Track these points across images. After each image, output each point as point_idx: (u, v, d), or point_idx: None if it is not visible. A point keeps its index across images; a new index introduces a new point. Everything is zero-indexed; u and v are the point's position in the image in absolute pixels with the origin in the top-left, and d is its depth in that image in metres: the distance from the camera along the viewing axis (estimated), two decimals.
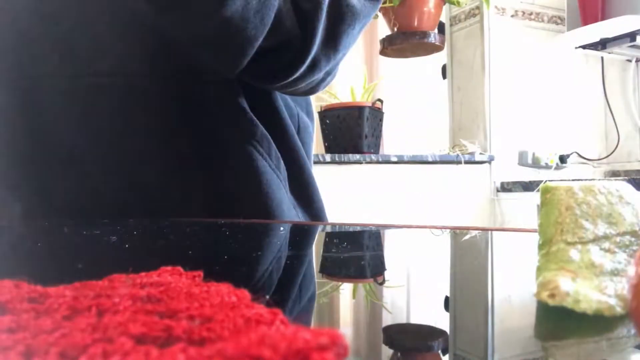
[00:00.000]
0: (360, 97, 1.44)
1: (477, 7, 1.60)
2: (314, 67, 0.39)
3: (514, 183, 1.55)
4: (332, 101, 1.47)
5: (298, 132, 0.47)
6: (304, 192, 0.46)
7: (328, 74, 0.42)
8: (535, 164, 1.61)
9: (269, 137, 0.42)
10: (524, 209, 1.50)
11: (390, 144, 1.68)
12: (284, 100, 0.46)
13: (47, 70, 0.40)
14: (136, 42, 0.39)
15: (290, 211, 0.43)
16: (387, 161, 1.43)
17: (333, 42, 0.38)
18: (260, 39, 0.34)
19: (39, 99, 0.40)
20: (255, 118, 0.41)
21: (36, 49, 0.40)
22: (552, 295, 0.13)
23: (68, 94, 0.40)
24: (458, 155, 1.52)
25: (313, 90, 0.44)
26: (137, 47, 0.40)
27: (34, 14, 0.40)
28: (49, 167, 0.41)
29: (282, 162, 0.43)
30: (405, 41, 1.49)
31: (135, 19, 0.39)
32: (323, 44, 0.38)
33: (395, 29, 1.51)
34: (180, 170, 0.41)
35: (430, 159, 1.48)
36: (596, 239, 0.14)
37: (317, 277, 0.21)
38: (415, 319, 0.17)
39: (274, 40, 0.36)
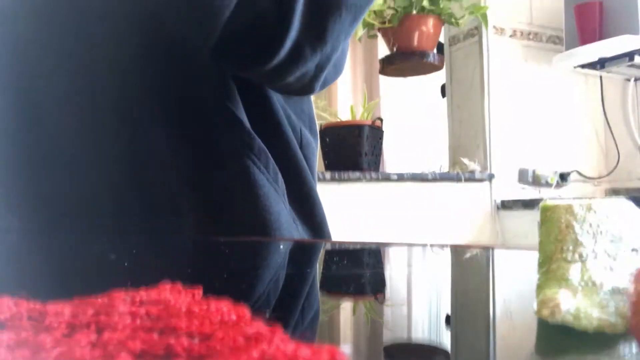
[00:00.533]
0: (360, 116, 1.46)
1: (476, 28, 1.64)
2: (298, 55, 0.37)
3: (515, 201, 1.54)
4: (333, 120, 1.48)
5: (301, 148, 0.46)
6: (305, 206, 0.45)
7: (320, 69, 0.40)
8: (536, 182, 1.61)
9: (267, 150, 0.41)
10: (524, 226, 1.49)
11: (390, 162, 1.69)
12: (286, 114, 0.45)
13: (44, 72, 0.40)
14: (132, 48, 0.39)
15: (290, 225, 0.42)
16: (387, 179, 1.44)
17: (317, 29, 0.36)
18: (230, 7, 0.34)
19: (37, 101, 0.40)
20: (252, 131, 0.41)
21: (40, 46, 0.40)
22: (552, 313, 0.13)
23: (64, 97, 0.40)
24: (458, 173, 1.53)
25: (307, 87, 0.41)
26: (133, 53, 0.39)
27: (32, 16, 0.40)
28: (43, 170, 0.41)
29: (280, 175, 0.42)
30: (405, 61, 1.52)
31: (131, 23, 0.39)
32: (305, 29, 0.36)
33: (395, 49, 1.53)
34: (176, 182, 0.40)
35: (430, 177, 1.48)
36: (597, 257, 0.14)
37: (317, 295, 0.21)
38: (416, 337, 0.17)
39: (245, 15, 0.35)
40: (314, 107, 0.52)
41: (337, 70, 0.44)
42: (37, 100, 0.40)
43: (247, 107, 0.41)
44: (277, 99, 0.45)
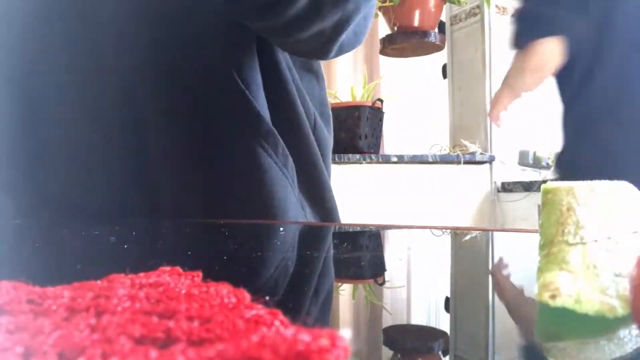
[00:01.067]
0: (360, 97, 1.44)
1: (478, 7, 1.60)
2: (317, 8, 0.34)
3: (515, 183, 1.55)
4: (332, 101, 1.47)
5: (314, 131, 0.45)
6: (316, 192, 0.44)
7: (338, 30, 0.36)
8: (536, 164, 1.61)
9: (276, 133, 0.40)
10: (524, 209, 1.49)
11: (390, 144, 1.68)
12: (301, 96, 0.44)
13: (48, 66, 0.39)
14: (138, 35, 0.39)
15: (298, 211, 0.42)
16: (387, 161, 1.43)
17: None
18: None
19: (41, 94, 0.40)
20: (261, 113, 0.39)
21: (41, 44, 0.40)
22: (553, 297, 0.13)
23: (70, 89, 0.40)
24: (458, 155, 1.52)
25: (322, 49, 0.38)
26: (139, 39, 0.39)
27: (40, 10, 0.39)
28: (49, 164, 0.40)
29: (290, 159, 0.41)
30: (406, 40, 1.49)
31: (139, 10, 0.38)
32: None
33: (395, 28, 1.50)
34: (181, 166, 0.40)
35: (430, 159, 1.48)
36: (598, 240, 0.14)
37: (317, 278, 0.21)
38: (415, 320, 0.17)
39: None
40: (326, 91, 0.51)
41: (358, 38, 0.40)
42: (41, 94, 0.40)
43: (257, 88, 0.40)
44: (293, 77, 0.43)
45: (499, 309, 0.17)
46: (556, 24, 0.83)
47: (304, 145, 0.43)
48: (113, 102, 0.40)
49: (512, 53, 0.96)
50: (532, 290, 0.15)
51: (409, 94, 1.78)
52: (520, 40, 0.87)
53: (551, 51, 0.86)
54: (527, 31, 0.87)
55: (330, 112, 0.50)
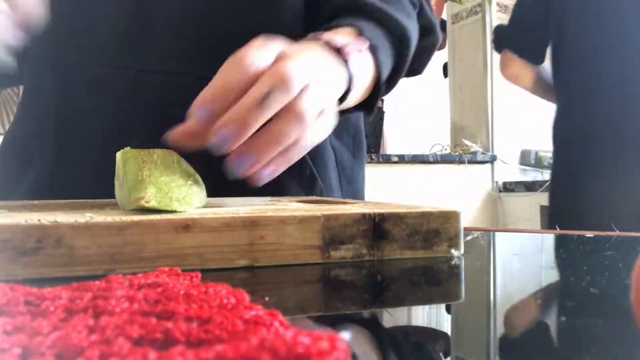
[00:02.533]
0: None
1: (479, 5, 1.60)
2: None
3: (517, 183, 1.54)
4: None
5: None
6: None
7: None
8: (538, 163, 1.60)
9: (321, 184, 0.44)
10: (526, 209, 1.49)
11: (391, 144, 1.68)
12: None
13: (89, 60, 0.40)
14: (185, 41, 0.39)
15: None
16: (388, 161, 1.43)
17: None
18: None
19: (77, 86, 0.40)
20: (315, 174, 0.43)
21: (87, 39, 0.40)
22: (142, 201, 0.21)
23: (108, 86, 0.40)
24: (460, 155, 1.52)
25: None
26: (184, 46, 0.39)
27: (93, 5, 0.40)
28: (71, 150, 0.40)
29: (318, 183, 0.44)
30: None
31: (190, 18, 0.39)
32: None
33: None
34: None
35: (431, 159, 1.48)
36: (163, 177, 0.24)
37: None
38: (416, 322, 0.17)
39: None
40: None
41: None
42: (77, 86, 0.39)
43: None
44: None
45: (500, 310, 0.17)
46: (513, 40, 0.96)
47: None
48: (146, 100, 0.39)
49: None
50: (533, 291, 0.15)
51: (410, 93, 1.78)
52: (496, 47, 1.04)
53: (517, 67, 0.97)
54: (498, 42, 1.03)
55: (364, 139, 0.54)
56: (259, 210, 0.22)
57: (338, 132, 0.49)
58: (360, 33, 0.35)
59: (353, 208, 0.24)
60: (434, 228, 0.23)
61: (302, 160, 0.43)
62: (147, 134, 0.34)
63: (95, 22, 0.40)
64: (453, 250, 0.23)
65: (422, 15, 0.45)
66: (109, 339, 0.10)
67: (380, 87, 0.38)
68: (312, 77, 0.26)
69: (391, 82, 0.42)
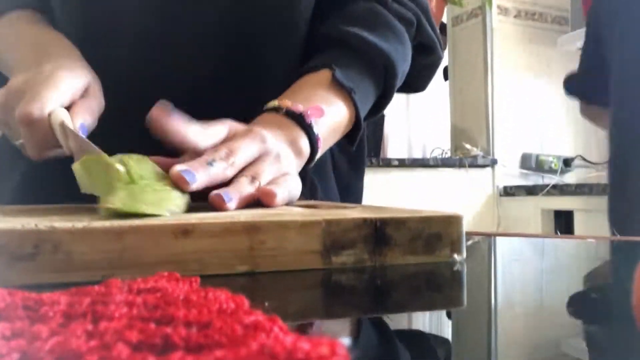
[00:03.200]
0: None
1: (480, 8, 1.60)
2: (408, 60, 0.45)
3: (517, 187, 1.54)
4: None
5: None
6: None
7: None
8: (539, 167, 1.60)
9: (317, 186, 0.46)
10: (527, 213, 1.49)
11: (391, 148, 1.68)
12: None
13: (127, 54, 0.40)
14: (208, 51, 0.40)
15: None
16: (388, 165, 1.43)
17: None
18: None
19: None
20: (315, 181, 0.45)
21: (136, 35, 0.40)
22: (107, 205, 0.22)
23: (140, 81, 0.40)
24: (460, 158, 1.52)
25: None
26: (207, 56, 0.40)
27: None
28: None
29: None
30: None
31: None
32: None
33: None
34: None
35: (432, 163, 1.48)
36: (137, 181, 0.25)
37: None
38: (417, 327, 0.17)
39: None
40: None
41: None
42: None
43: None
44: None
45: (501, 315, 0.17)
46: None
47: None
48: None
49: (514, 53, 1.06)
50: (534, 295, 0.15)
51: (410, 97, 1.78)
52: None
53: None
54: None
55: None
56: (260, 215, 0.22)
57: (341, 145, 0.50)
58: (333, 78, 0.37)
59: (354, 213, 0.24)
60: (436, 232, 0.23)
61: (303, 171, 0.44)
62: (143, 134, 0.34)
63: (125, 21, 0.40)
64: (455, 255, 0.23)
65: (420, 32, 0.45)
66: (108, 344, 0.09)
67: (361, 125, 0.40)
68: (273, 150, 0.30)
69: (378, 109, 0.44)
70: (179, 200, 0.25)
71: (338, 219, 0.21)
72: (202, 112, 0.34)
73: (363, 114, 0.40)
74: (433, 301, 0.18)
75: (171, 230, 0.19)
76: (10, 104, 0.32)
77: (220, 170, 0.27)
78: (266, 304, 0.15)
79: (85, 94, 0.33)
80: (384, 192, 1.43)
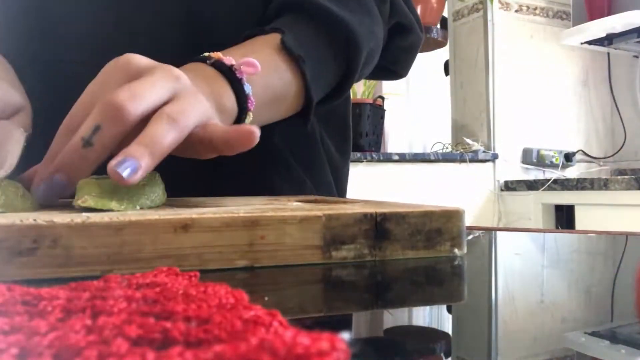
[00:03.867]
0: (361, 94, 1.43)
1: (481, 2, 1.59)
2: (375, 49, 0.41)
3: (518, 182, 1.54)
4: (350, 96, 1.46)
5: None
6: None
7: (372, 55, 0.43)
8: (540, 162, 1.59)
9: (296, 166, 0.43)
10: (528, 207, 1.49)
11: (392, 142, 1.67)
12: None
13: (68, 57, 0.39)
14: (165, 45, 0.38)
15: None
16: (389, 160, 1.43)
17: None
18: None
19: (55, 83, 0.39)
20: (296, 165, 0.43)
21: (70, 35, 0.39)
22: (79, 201, 0.22)
23: (86, 83, 0.39)
24: (461, 153, 1.51)
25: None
26: (164, 50, 0.39)
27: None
28: (47, 147, 0.40)
29: (306, 185, 0.44)
30: None
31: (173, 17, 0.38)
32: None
33: None
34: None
35: (432, 158, 1.47)
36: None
37: None
38: (417, 321, 0.16)
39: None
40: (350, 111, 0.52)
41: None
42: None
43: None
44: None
45: (502, 310, 0.17)
46: None
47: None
48: None
49: (516, 48, 1.01)
50: (535, 290, 0.15)
51: (411, 91, 1.77)
52: None
53: None
54: None
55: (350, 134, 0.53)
56: (259, 209, 0.22)
57: (327, 128, 0.49)
58: (282, 42, 0.33)
59: (354, 207, 0.23)
60: (437, 227, 0.23)
61: (290, 163, 0.43)
62: None
63: (77, 19, 0.39)
64: (456, 250, 0.23)
65: (395, 10, 0.41)
66: (107, 339, 0.09)
67: (312, 99, 0.35)
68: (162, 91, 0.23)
69: (342, 90, 0.39)
70: (155, 195, 0.25)
71: (338, 213, 0.21)
72: None
73: (316, 87, 0.35)
74: (433, 296, 0.18)
75: (171, 225, 0.19)
76: None
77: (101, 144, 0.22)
78: (266, 298, 0.15)
79: (13, 117, 0.31)
80: (384, 187, 1.43)
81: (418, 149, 1.66)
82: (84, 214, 0.20)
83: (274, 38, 0.34)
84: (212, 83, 0.29)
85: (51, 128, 0.39)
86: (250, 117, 0.31)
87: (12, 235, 0.17)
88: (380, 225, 0.22)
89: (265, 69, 0.32)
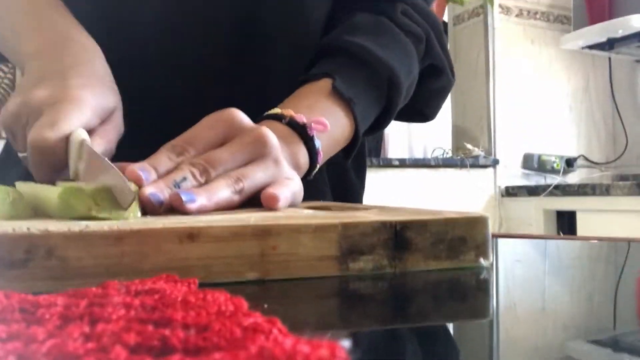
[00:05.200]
0: None
1: (481, 6, 1.60)
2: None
3: (519, 187, 1.54)
4: None
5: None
6: None
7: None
8: (541, 168, 1.59)
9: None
10: (529, 213, 1.48)
11: (391, 147, 1.67)
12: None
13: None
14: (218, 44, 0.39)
15: None
16: (389, 165, 1.43)
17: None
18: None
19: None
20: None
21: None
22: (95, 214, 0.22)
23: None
24: (462, 159, 1.51)
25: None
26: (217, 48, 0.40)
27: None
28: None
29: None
30: None
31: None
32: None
33: None
34: None
35: (433, 163, 1.47)
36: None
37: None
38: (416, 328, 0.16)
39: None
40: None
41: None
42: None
43: None
44: None
45: (503, 317, 0.17)
46: None
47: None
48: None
49: (516, 53, 1.00)
50: (537, 297, 0.15)
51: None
52: None
53: None
54: None
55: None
56: (271, 218, 0.21)
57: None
58: (333, 87, 0.36)
59: (370, 215, 0.22)
60: (460, 235, 0.21)
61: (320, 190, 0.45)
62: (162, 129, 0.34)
63: (140, 21, 0.40)
64: (481, 259, 0.21)
65: (429, 51, 0.44)
66: (106, 346, 0.09)
67: (359, 139, 0.39)
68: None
69: (380, 126, 0.42)
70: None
71: (356, 222, 0.20)
72: (208, 106, 0.33)
73: (363, 127, 0.38)
74: (457, 312, 0.17)
75: (175, 234, 0.18)
76: (24, 116, 0.29)
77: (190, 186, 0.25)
78: (265, 305, 0.15)
79: (107, 119, 0.31)
80: (385, 193, 1.42)
81: (418, 154, 1.66)
82: (83, 222, 0.19)
83: (325, 83, 0.37)
84: (289, 143, 0.32)
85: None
86: (317, 168, 0.34)
87: (3, 245, 0.16)
88: (400, 235, 0.20)
89: (327, 119, 0.35)
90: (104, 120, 0.31)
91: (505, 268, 0.27)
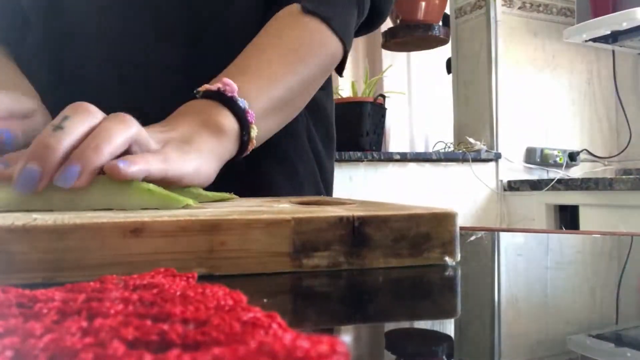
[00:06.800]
0: (362, 93, 1.43)
1: None
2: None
3: (522, 182, 1.53)
4: (333, 97, 1.45)
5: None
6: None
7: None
8: (544, 162, 1.59)
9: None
10: (531, 208, 1.48)
11: (393, 141, 1.67)
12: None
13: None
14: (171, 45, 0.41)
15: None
16: (390, 159, 1.42)
17: None
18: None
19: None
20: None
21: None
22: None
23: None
24: (464, 153, 1.51)
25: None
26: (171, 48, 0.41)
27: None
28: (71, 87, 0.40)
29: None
30: (409, 34, 1.47)
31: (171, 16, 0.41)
32: None
33: (398, 21, 1.49)
34: None
35: (434, 157, 1.47)
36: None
37: None
38: (418, 324, 0.16)
39: None
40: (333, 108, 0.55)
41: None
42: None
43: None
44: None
45: (505, 312, 0.17)
46: None
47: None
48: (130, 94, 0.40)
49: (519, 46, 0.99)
50: (539, 291, 0.15)
51: (412, 90, 1.77)
52: None
53: None
54: None
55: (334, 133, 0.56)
56: (223, 212, 0.20)
57: (314, 120, 0.50)
58: (303, 10, 0.37)
59: (336, 210, 0.21)
60: (424, 232, 0.20)
61: (292, 168, 0.45)
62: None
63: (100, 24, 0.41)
64: (447, 258, 0.21)
65: None
66: (104, 341, 0.09)
67: (347, 50, 0.40)
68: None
69: (371, 27, 0.45)
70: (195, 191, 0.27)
71: (310, 217, 0.19)
72: (172, 102, 0.34)
73: (348, 41, 0.40)
74: (418, 309, 0.17)
75: (119, 229, 0.18)
76: None
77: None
78: (265, 300, 0.15)
79: (26, 120, 0.33)
80: (385, 187, 1.42)
81: (420, 148, 1.65)
82: (34, 215, 0.19)
83: (293, 9, 0.39)
84: (204, 111, 0.33)
85: None
86: (254, 129, 0.34)
87: None
88: (358, 230, 0.20)
89: (266, 76, 0.36)
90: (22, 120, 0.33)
91: (507, 262, 0.26)
